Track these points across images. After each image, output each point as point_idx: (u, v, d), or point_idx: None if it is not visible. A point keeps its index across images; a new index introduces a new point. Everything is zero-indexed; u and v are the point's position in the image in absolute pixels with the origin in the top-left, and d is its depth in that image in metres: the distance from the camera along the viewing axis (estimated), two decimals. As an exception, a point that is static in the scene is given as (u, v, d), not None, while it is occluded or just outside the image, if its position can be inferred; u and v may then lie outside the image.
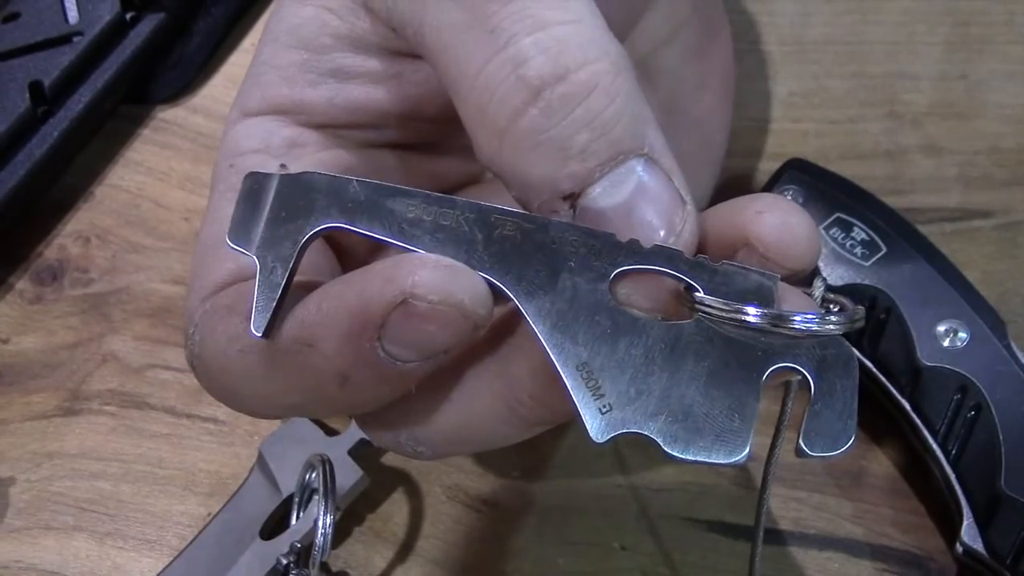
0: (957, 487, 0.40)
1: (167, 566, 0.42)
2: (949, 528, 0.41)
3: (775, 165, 0.46)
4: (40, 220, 0.51)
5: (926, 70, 0.52)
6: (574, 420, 0.28)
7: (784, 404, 0.30)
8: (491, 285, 0.28)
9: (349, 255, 0.35)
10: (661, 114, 0.42)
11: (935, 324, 0.42)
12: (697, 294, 0.28)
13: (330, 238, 0.31)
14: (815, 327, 0.28)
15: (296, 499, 0.42)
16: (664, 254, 0.28)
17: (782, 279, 0.29)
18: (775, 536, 0.43)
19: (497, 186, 0.32)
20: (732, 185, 0.49)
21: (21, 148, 0.49)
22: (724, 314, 0.28)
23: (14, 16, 0.52)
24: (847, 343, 0.28)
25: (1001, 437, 0.40)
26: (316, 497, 0.41)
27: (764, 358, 0.28)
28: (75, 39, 0.51)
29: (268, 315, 0.29)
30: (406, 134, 0.37)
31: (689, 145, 0.43)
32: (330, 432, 0.44)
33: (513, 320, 0.31)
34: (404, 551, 0.43)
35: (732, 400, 0.28)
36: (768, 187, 0.45)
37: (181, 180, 0.52)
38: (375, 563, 0.43)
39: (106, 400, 0.47)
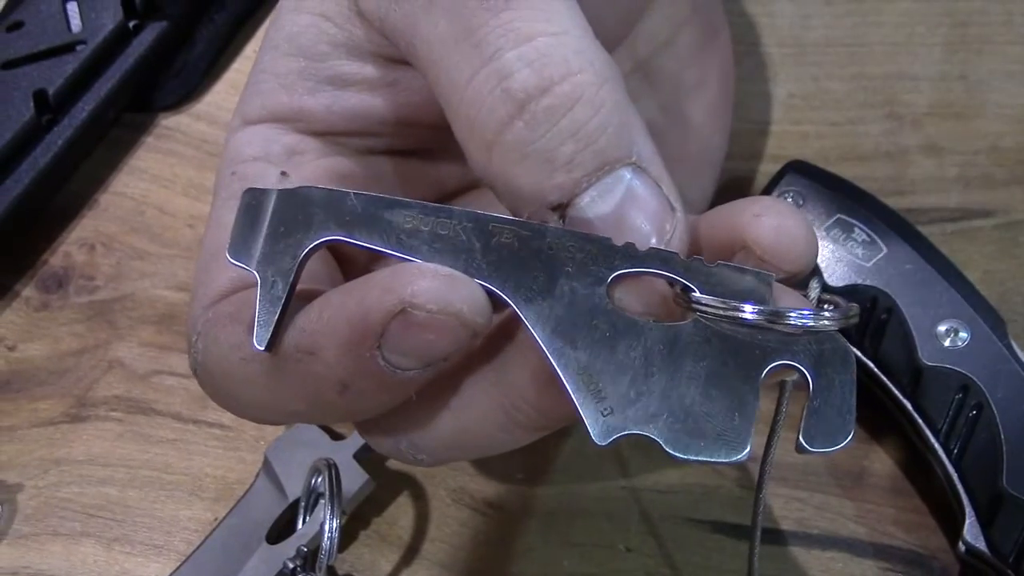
0: (959, 486, 0.40)
1: (174, 571, 0.42)
2: (952, 527, 0.41)
3: (775, 167, 0.46)
4: (45, 228, 0.51)
5: (926, 71, 0.52)
6: (573, 425, 0.29)
7: (779, 403, 0.31)
8: (490, 293, 0.29)
9: (350, 263, 0.35)
10: (660, 116, 0.43)
11: (936, 324, 0.42)
12: (694, 294, 0.28)
13: (331, 247, 0.32)
14: (810, 323, 0.28)
15: (302, 503, 0.42)
16: (660, 256, 0.29)
17: (780, 281, 0.29)
18: (778, 536, 0.43)
19: (495, 191, 0.32)
20: (732, 187, 0.49)
21: (26, 157, 0.49)
22: (721, 312, 0.28)
23: (17, 25, 0.52)
24: (843, 339, 0.29)
25: (1002, 436, 0.40)
26: (322, 501, 0.41)
27: (762, 356, 0.28)
28: (78, 48, 0.51)
29: (270, 329, 0.29)
30: (404, 140, 0.37)
31: (689, 147, 0.43)
32: (335, 436, 0.44)
33: (510, 327, 0.31)
34: (410, 554, 0.43)
35: (732, 399, 0.28)
36: (769, 189, 0.45)
37: (185, 187, 0.52)
38: (381, 566, 0.43)
39: (112, 406, 0.47)
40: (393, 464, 0.45)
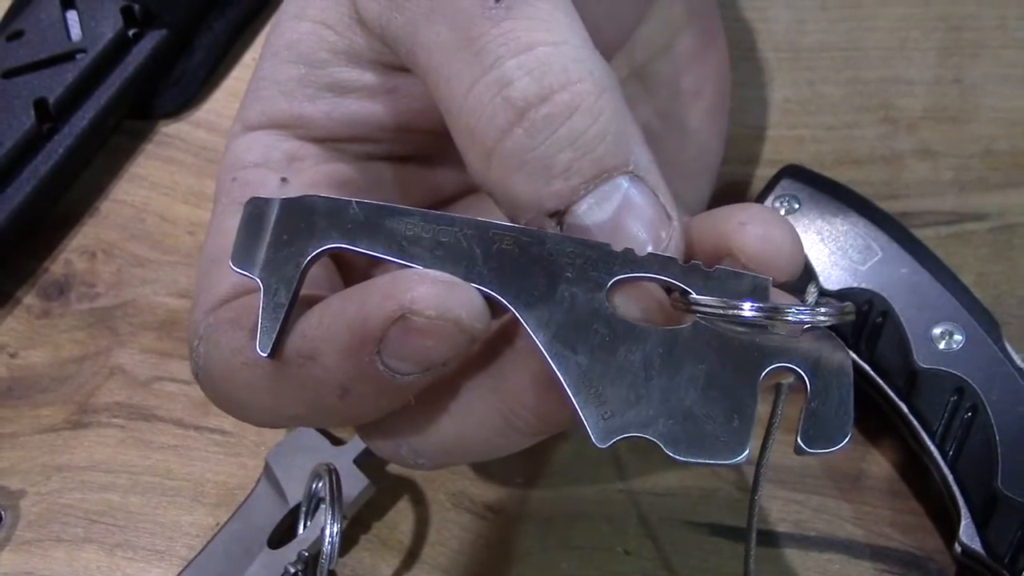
0: (955, 488, 0.41)
1: (176, 576, 0.43)
2: (948, 528, 0.42)
3: (771, 171, 0.47)
4: (46, 235, 0.51)
5: (920, 75, 0.52)
6: (572, 429, 0.29)
7: (775, 406, 0.31)
8: (491, 298, 0.29)
9: (350, 268, 0.35)
10: (657, 121, 0.43)
11: (931, 327, 0.42)
12: (692, 296, 0.29)
13: (331, 253, 0.32)
14: (807, 319, 0.29)
15: (303, 508, 0.42)
16: (658, 261, 0.29)
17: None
18: (775, 538, 0.43)
19: (493, 196, 0.32)
20: (729, 192, 0.49)
21: (27, 165, 0.49)
22: (720, 311, 0.28)
23: (18, 34, 0.52)
24: (840, 342, 0.29)
25: (997, 438, 0.40)
26: (323, 506, 0.41)
27: (760, 359, 0.28)
28: (78, 56, 0.52)
29: (273, 336, 0.30)
30: (403, 146, 0.37)
31: (685, 153, 0.44)
32: (336, 441, 0.44)
33: (509, 332, 0.31)
34: (410, 558, 0.43)
35: (730, 401, 0.28)
36: (765, 193, 0.46)
37: (185, 194, 0.52)
38: (381, 570, 0.43)
39: (114, 413, 0.47)
40: (393, 469, 0.45)
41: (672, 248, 0.30)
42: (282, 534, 0.43)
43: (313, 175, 0.35)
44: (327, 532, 0.40)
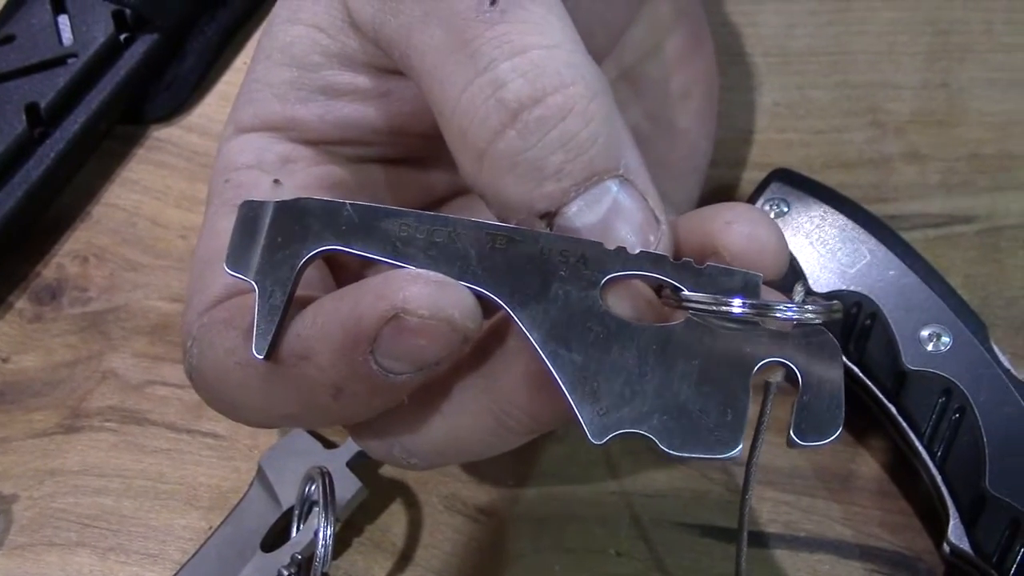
0: (943, 488, 0.41)
1: (169, 579, 0.43)
2: (936, 528, 0.42)
3: (760, 175, 0.47)
4: (38, 240, 0.51)
5: (908, 79, 0.52)
6: (564, 430, 0.29)
7: (764, 405, 0.31)
8: (485, 298, 0.29)
9: (343, 269, 0.35)
10: (646, 122, 0.43)
11: (919, 329, 0.42)
12: (684, 292, 0.29)
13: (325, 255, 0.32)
14: (795, 315, 0.29)
15: (296, 511, 0.43)
16: (650, 259, 0.29)
17: None
18: (765, 539, 0.43)
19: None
20: (718, 195, 0.49)
21: (18, 170, 0.49)
22: (711, 308, 0.29)
23: (9, 39, 0.52)
24: (831, 336, 0.29)
25: (985, 438, 0.40)
26: (316, 509, 0.41)
27: (752, 354, 0.29)
28: (70, 61, 0.52)
29: (269, 338, 0.30)
30: (396, 149, 0.37)
31: (674, 154, 0.44)
32: (329, 445, 0.45)
33: (501, 332, 0.31)
34: (403, 561, 0.44)
35: (724, 396, 0.28)
36: (754, 196, 0.46)
37: (177, 198, 0.52)
38: (375, 573, 0.43)
39: (107, 417, 0.47)
40: (386, 471, 0.45)
41: (661, 251, 0.30)
42: (275, 537, 0.43)
43: (306, 177, 0.36)
44: (320, 535, 0.40)
